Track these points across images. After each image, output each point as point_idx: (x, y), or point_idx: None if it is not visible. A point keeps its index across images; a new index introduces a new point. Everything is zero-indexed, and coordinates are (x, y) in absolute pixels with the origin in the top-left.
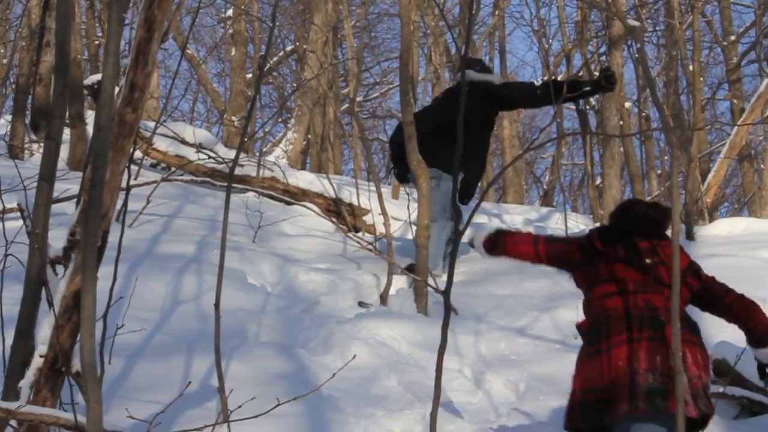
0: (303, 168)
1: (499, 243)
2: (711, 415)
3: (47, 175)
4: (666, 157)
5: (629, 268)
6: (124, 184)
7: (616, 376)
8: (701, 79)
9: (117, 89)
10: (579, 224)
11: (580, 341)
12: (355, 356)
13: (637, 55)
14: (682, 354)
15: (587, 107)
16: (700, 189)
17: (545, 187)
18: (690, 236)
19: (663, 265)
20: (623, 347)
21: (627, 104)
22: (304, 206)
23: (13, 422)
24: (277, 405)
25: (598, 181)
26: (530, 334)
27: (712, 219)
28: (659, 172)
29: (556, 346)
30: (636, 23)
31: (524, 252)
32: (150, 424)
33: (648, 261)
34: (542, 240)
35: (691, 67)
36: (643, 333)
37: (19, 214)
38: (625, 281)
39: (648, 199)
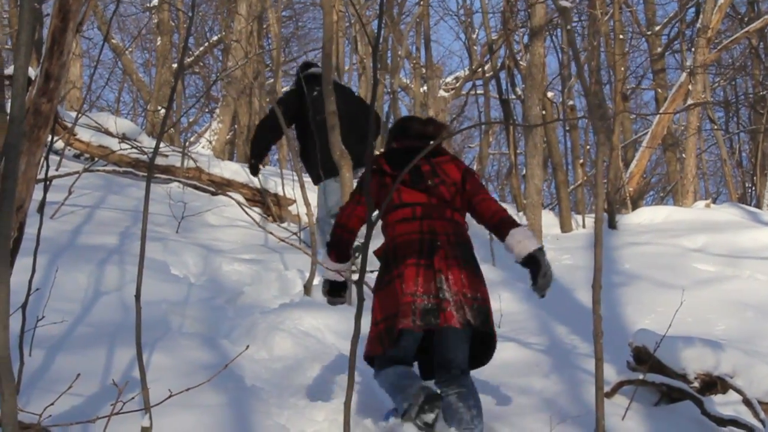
0: (229, 158)
1: (338, 242)
2: (486, 329)
3: None
4: (590, 147)
5: (415, 192)
6: (43, 175)
7: (406, 291)
8: (623, 69)
9: (35, 78)
10: None
11: (506, 327)
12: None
13: (561, 44)
14: (443, 275)
15: (512, 96)
16: (622, 178)
17: None
18: (612, 225)
19: (444, 185)
20: (411, 270)
21: (550, 94)
22: (229, 196)
23: None
24: (183, 390)
25: (524, 171)
26: None
27: (636, 207)
28: (582, 161)
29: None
30: (567, 3)
31: (357, 224)
32: (40, 416)
33: (430, 182)
34: (355, 203)
35: (613, 57)
36: (421, 260)
37: None
38: (414, 207)
39: (571, 188)
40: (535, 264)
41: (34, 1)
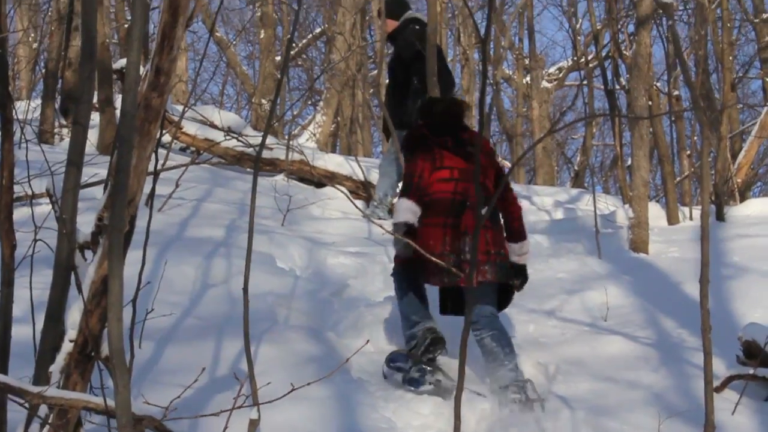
0: (332, 151)
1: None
2: (506, 281)
3: (75, 159)
4: (696, 137)
5: (455, 157)
6: (151, 169)
7: (428, 251)
8: (731, 58)
9: (143, 73)
10: (609, 206)
11: (609, 323)
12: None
13: (667, 34)
14: (468, 236)
15: (617, 87)
16: (730, 169)
17: (576, 168)
18: (720, 217)
19: (480, 153)
20: (438, 230)
21: (656, 84)
22: (336, 188)
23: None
24: (294, 389)
25: (629, 162)
26: (559, 317)
27: (744, 199)
28: (689, 152)
29: (585, 329)
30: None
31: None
32: (166, 410)
33: (469, 149)
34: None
35: (720, 46)
36: (448, 219)
37: (48, 199)
38: (452, 169)
39: (678, 179)
40: (522, 275)
41: None
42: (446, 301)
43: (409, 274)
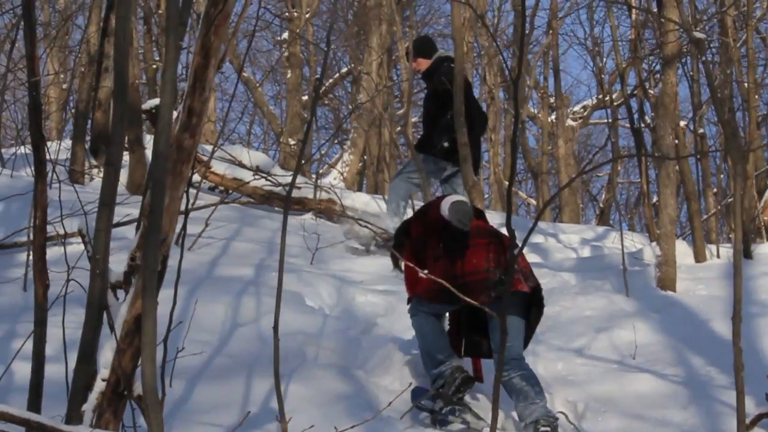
0: (359, 189)
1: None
2: (539, 288)
3: (107, 200)
4: (722, 175)
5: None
6: (182, 208)
7: (471, 270)
8: (756, 97)
9: (174, 114)
10: (635, 243)
11: (637, 361)
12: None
13: (692, 72)
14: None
15: (642, 125)
16: (757, 207)
17: (601, 205)
18: (747, 254)
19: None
20: (482, 248)
21: (682, 123)
22: (366, 226)
23: None
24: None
25: (654, 199)
26: (588, 355)
27: None
28: (714, 190)
29: (613, 366)
30: (701, 35)
31: None
32: None
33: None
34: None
35: (746, 85)
36: (492, 239)
37: (80, 239)
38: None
39: (705, 217)
40: None
41: (178, 40)
42: (460, 344)
43: (429, 310)
